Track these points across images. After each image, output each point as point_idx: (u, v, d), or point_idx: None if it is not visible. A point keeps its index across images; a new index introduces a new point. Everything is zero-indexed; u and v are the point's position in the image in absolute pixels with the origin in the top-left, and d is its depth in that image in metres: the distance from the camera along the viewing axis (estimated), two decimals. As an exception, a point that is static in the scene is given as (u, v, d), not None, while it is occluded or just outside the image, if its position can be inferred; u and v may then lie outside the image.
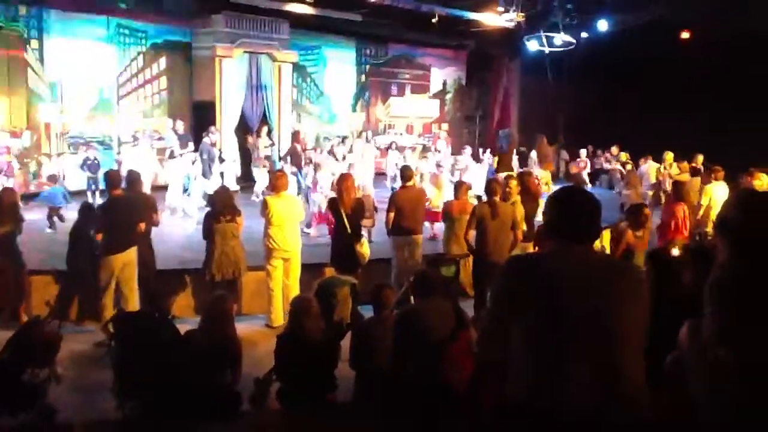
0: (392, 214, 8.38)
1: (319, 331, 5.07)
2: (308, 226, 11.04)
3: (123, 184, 7.78)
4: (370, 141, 18.28)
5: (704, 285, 2.45)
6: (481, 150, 17.59)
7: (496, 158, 14.59)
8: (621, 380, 2.31)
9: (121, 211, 7.38)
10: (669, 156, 14.63)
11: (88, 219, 7.93)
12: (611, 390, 2.30)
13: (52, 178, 12.09)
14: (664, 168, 14.40)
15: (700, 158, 13.35)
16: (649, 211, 8.14)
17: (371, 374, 4.97)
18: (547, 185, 13.54)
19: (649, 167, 14.67)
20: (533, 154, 17.21)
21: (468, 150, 16.63)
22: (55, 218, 10.94)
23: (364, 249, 7.92)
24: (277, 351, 5.03)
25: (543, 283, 2.40)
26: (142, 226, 7.64)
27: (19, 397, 4.79)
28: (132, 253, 7.43)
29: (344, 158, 14.61)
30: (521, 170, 11.67)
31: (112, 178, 7.71)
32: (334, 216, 8.11)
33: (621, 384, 2.31)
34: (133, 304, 7.37)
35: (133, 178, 8.14)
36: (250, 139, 15.36)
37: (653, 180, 14.23)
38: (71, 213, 9.00)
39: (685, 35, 18.07)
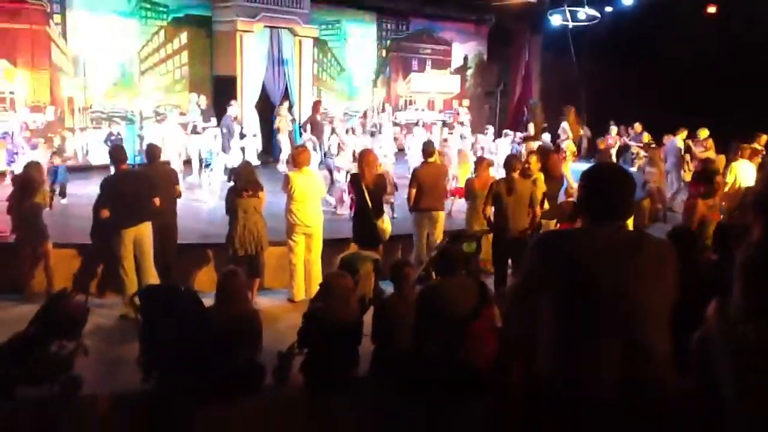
0: (414, 191, 8.36)
1: (353, 311, 5.13)
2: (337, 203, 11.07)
3: (145, 158, 7.77)
4: (390, 117, 18.21)
5: (727, 263, 2.43)
6: (504, 130, 17.44)
7: (531, 125, 14.50)
8: (648, 355, 2.32)
9: (128, 186, 7.32)
10: (703, 132, 14.39)
11: None
12: (639, 364, 2.30)
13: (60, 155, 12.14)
14: (694, 144, 14.20)
15: (764, 138, 12.94)
16: (720, 178, 7.93)
17: (392, 350, 5.00)
18: (574, 155, 13.36)
19: (675, 142, 14.42)
20: (564, 125, 17.01)
21: (491, 129, 16.52)
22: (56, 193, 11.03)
23: (386, 225, 7.93)
24: (305, 326, 5.07)
25: (571, 260, 2.40)
26: (157, 201, 7.64)
27: (46, 369, 4.87)
28: (144, 228, 7.38)
29: (372, 134, 14.61)
30: (542, 147, 11.51)
31: (116, 153, 7.70)
32: (355, 192, 8.12)
33: (648, 358, 2.32)
34: (153, 278, 7.43)
35: (153, 151, 8.14)
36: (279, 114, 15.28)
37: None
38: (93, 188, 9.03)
39: (711, 9, 17.77)
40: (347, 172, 11.02)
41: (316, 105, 14.73)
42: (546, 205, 8.21)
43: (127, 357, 5.32)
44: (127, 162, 7.67)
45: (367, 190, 7.79)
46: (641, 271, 2.37)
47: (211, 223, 9.65)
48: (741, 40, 16.62)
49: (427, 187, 8.38)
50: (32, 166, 8.33)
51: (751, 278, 2.35)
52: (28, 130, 13.10)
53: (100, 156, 13.53)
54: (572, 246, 2.46)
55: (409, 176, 9.14)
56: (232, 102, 13.22)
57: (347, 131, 13.86)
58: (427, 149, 8.78)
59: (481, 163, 9.15)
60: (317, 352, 4.98)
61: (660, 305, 2.38)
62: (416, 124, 17.59)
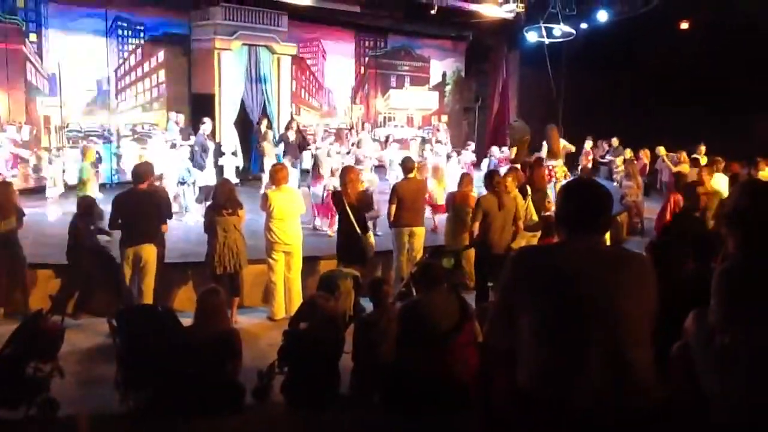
0: (394, 206, 8.36)
1: (338, 333, 5.12)
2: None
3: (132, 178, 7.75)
4: (369, 133, 18.24)
5: (705, 273, 2.45)
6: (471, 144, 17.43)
7: (514, 149, 14.51)
8: (631, 367, 2.33)
9: (130, 205, 7.40)
10: (661, 150, 14.71)
11: (85, 213, 7.91)
12: (621, 377, 2.32)
13: None
14: (668, 158, 14.42)
15: (702, 149, 13.34)
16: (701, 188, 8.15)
17: (374, 366, 4.97)
18: (565, 176, 13.39)
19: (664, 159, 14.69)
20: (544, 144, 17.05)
21: (472, 146, 16.61)
22: None
23: (370, 241, 7.91)
24: (286, 345, 5.04)
25: (552, 273, 2.42)
26: (164, 227, 7.67)
27: (22, 390, 4.79)
28: (146, 249, 7.38)
29: (348, 152, 14.59)
30: (531, 160, 11.53)
31: (141, 169, 7.71)
32: (338, 209, 8.07)
33: (631, 371, 2.33)
34: (147, 300, 7.40)
35: (138, 173, 7.88)
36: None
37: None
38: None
39: (684, 25, 18.05)
40: (324, 187, 10.96)
41: (289, 125, 14.73)
42: (535, 217, 8.25)
43: (104, 378, 5.24)
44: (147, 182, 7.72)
45: (351, 207, 7.75)
46: (621, 285, 2.40)
47: (188, 242, 9.57)
48: (716, 53, 16.87)
49: (407, 203, 8.38)
50: (3, 186, 8.18)
51: (729, 289, 2.37)
52: (17, 146, 12.96)
53: (77, 175, 13.39)
54: (552, 260, 2.48)
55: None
56: (205, 119, 13.11)
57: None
58: (407, 165, 8.80)
59: (464, 178, 9.19)
60: (298, 370, 4.95)
61: (640, 317, 2.40)
62: (386, 140, 17.64)
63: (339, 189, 8.19)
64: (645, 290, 2.44)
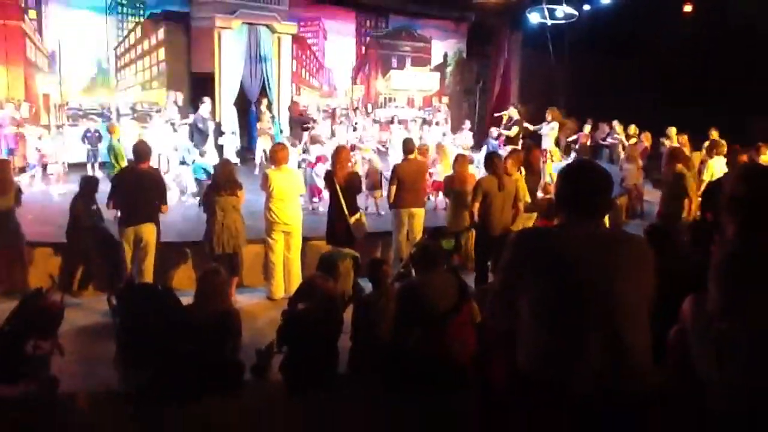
0: (394, 187, 8.37)
1: (336, 314, 5.13)
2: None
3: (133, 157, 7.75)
4: (364, 114, 18.25)
5: (703, 258, 2.46)
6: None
7: (516, 128, 14.54)
8: (629, 351, 2.35)
9: (130, 184, 7.40)
10: (672, 131, 14.59)
11: (86, 191, 7.92)
12: (619, 360, 2.34)
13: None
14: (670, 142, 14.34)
15: (715, 133, 13.24)
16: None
17: (373, 346, 5.00)
18: (558, 157, 13.38)
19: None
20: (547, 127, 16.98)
21: (467, 124, 16.57)
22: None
23: (363, 220, 7.93)
24: (285, 325, 5.06)
25: (552, 256, 2.44)
26: (164, 208, 7.64)
27: (22, 367, 4.81)
28: (146, 228, 7.38)
29: (354, 128, 14.57)
30: (526, 143, 11.50)
31: (140, 148, 7.66)
32: (329, 190, 8.12)
33: (628, 354, 2.35)
34: (147, 280, 7.41)
35: (139, 152, 7.77)
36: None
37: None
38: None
39: (687, 8, 17.95)
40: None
41: (292, 107, 14.65)
42: (527, 198, 8.26)
43: (104, 356, 5.26)
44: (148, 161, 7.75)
45: (340, 187, 7.78)
46: (620, 267, 2.41)
47: (187, 221, 9.58)
48: (720, 36, 16.79)
49: (407, 184, 8.39)
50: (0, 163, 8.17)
51: (727, 275, 2.38)
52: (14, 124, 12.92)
53: (77, 154, 13.37)
54: (551, 243, 2.49)
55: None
56: (204, 99, 13.03)
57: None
58: (407, 146, 8.79)
59: (459, 159, 9.16)
60: (297, 350, 4.97)
61: (638, 301, 2.42)
62: (391, 121, 17.60)
63: (330, 169, 8.23)
64: (643, 272, 2.46)
